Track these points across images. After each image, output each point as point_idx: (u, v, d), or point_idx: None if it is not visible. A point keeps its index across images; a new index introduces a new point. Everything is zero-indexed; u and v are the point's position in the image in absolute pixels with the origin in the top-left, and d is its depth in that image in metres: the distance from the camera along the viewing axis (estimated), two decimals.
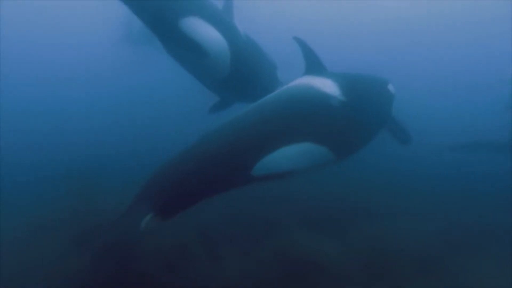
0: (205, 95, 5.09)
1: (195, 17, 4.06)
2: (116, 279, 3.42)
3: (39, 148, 7.46)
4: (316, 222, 4.59)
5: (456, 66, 18.61)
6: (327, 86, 3.76)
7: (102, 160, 6.62)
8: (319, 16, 20.72)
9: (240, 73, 4.49)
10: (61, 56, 18.08)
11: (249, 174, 3.16)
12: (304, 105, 3.61)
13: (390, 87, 4.40)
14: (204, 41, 4.11)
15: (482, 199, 5.32)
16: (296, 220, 4.64)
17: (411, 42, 20.31)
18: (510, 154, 6.44)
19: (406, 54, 19.28)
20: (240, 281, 3.49)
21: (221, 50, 4.24)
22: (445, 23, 19.51)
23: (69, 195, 5.13)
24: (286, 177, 3.40)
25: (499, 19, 17.02)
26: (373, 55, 18.28)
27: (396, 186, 5.83)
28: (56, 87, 13.52)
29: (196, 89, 5.06)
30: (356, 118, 3.74)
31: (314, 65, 4.17)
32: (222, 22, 4.33)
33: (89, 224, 3.98)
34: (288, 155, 3.27)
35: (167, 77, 12.44)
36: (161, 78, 12.88)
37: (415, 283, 3.53)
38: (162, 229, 4.09)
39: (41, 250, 3.86)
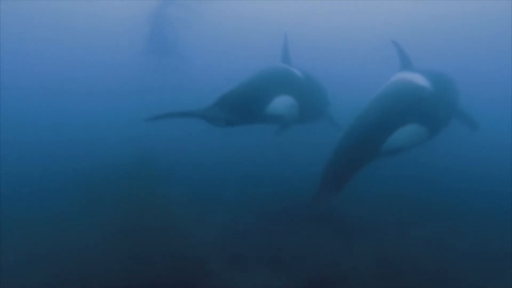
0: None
1: (275, 97, 4.79)
2: None
3: (59, 158, 7.46)
4: (342, 233, 4.63)
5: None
6: (421, 80, 4.94)
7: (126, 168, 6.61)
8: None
9: (304, 114, 5.37)
10: (86, 65, 18.41)
11: (380, 151, 4.23)
12: (408, 95, 4.72)
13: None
14: (282, 111, 4.92)
15: None
16: (320, 229, 4.69)
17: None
18: None
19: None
20: None
21: (293, 108, 5.07)
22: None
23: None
24: (398, 154, 4.47)
25: None
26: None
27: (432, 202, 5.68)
28: (76, 96, 13.54)
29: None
30: (441, 104, 4.84)
31: (406, 63, 5.65)
32: (291, 84, 5.19)
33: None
34: (403, 135, 4.29)
35: (191, 87, 12.73)
36: (186, 88, 13.12)
37: None
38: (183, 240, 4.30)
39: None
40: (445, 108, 4.92)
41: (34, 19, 20.71)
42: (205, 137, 7.29)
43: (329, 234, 4.59)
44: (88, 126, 9.93)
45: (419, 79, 4.92)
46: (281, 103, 4.87)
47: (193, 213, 4.91)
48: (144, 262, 3.85)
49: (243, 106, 4.50)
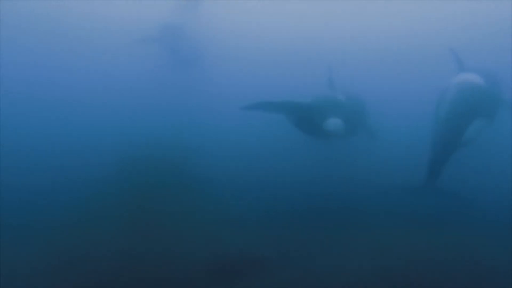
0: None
1: (329, 118, 6.36)
2: None
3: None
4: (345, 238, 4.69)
5: None
6: (480, 80, 6.09)
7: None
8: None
9: (349, 128, 6.60)
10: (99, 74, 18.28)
11: (462, 138, 5.51)
12: (475, 94, 5.88)
13: None
14: (332, 128, 6.37)
15: None
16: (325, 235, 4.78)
17: None
18: None
19: None
20: None
21: (340, 126, 6.44)
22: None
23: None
24: (469, 144, 5.63)
25: None
26: None
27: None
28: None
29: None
30: (496, 98, 6.04)
31: (462, 67, 6.58)
32: (340, 106, 6.53)
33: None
34: (474, 127, 5.56)
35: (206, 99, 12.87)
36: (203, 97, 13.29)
37: None
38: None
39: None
40: (498, 101, 6.07)
41: (44, 23, 20.54)
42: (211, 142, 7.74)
43: (332, 238, 4.68)
44: (101, 134, 9.78)
45: (479, 80, 6.09)
46: (332, 123, 6.37)
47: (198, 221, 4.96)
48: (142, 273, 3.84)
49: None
